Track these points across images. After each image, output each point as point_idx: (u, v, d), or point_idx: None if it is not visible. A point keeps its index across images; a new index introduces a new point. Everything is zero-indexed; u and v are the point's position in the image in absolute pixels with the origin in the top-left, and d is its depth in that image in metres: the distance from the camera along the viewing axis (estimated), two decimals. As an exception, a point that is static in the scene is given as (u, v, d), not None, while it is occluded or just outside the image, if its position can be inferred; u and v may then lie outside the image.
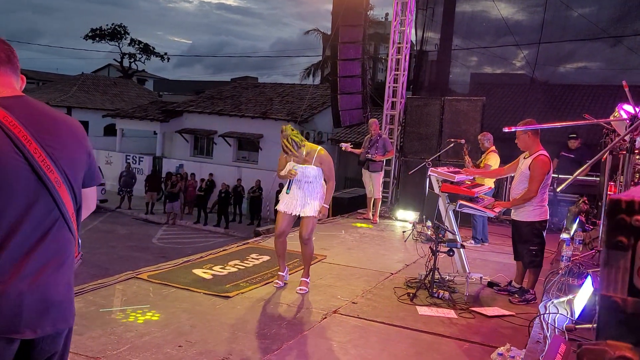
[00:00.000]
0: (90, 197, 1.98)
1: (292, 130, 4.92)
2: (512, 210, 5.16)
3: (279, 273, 5.28)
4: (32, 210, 1.68)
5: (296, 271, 5.58)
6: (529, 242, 5.04)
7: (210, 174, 20.29)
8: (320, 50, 33.71)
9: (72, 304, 1.82)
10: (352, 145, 9.15)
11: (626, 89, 3.46)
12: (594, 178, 8.38)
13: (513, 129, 3.69)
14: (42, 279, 1.68)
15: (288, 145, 4.85)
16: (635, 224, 0.64)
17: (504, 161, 7.70)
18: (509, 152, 8.34)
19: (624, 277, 0.64)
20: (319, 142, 21.45)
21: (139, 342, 3.70)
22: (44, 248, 1.70)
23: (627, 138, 3.36)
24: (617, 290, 0.64)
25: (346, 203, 11.47)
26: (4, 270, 1.62)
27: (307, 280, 5.18)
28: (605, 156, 5.00)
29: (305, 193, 5.03)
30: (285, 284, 5.25)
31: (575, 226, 5.87)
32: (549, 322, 3.65)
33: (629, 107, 3.74)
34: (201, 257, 6.05)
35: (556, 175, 8.34)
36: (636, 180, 4.46)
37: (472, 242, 7.72)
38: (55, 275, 1.73)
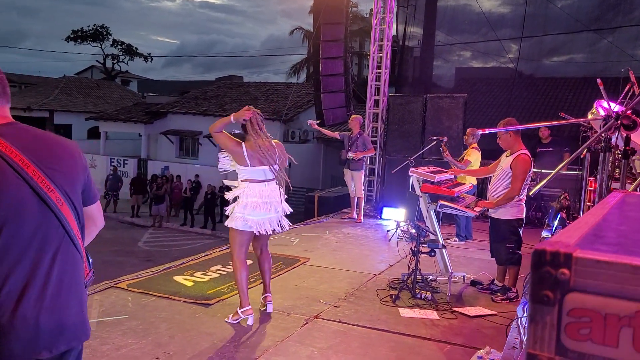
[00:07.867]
0: (96, 214, 2.01)
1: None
2: (490, 208, 5.15)
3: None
4: (40, 232, 1.71)
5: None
6: (506, 240, 5.07)
7: (196, 175, 20.14)
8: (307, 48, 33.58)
9: (86, 323, 1.86)
10: (318, 122, 9.39)
11: (601, 87, 3.45)
12: (577, 172, 8.38)
13: (487, 131, 3.66)
14: (57, 302, 1.71)
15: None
16: (561, 277, 0.60)
17: (487, 157, 7.68)
18: (496, 146, 8.34)
19: (551, 334, 0.60)
20: (304, 141, 21.41)
21: (115, 354, 3.64)
22: (55, 269, 1.72)
23: (602, 136, 3.34)
24: (544, 348, 0.60)
25: (332, 202, 11.41)
26: (17, 294, 1.64)
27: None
28: (584, 152, 5.00)
29: None
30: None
31: (556, 223, 5.87)
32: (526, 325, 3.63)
33: (614, 105, 3.74)
34: (182, 264, 5.97)
35: (539, 171, 8.34)
36: (616, 176, 4.45)
37: (457, 239, 7.70)
38: (68, 295, 1.76)
